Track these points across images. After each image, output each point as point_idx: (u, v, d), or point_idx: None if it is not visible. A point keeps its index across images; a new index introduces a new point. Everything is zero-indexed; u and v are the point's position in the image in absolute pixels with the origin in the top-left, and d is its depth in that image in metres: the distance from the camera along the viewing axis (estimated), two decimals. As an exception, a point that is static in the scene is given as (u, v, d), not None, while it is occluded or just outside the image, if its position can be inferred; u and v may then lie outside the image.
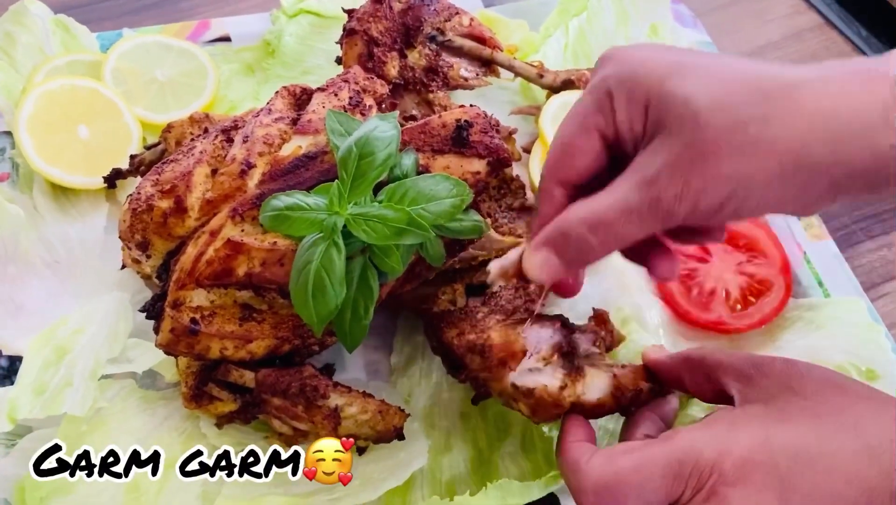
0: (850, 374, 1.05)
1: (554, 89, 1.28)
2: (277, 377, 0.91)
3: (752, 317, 1.16)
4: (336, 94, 0.97)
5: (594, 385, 0.94)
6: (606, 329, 1.06)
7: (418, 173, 0.92)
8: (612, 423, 1.06)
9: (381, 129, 0.85)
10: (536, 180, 1.20)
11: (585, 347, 1.00)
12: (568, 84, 1.27)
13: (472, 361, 0.96)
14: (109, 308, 1.07)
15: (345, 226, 0.83)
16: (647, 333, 1.11)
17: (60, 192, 1.19)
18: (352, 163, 0.83)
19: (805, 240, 1.23)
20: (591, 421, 0.93)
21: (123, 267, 1.07)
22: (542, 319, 0.98)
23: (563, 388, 0.93)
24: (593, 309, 1.09)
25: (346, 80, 0.99)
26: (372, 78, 1.02)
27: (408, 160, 0.91)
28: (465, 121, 0.95)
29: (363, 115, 0.98)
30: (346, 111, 0.95)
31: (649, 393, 0.96)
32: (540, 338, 0.96)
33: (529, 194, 1.21)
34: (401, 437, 0.94)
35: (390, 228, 0.82)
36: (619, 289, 1.15)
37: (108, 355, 1.02)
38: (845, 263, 1.21)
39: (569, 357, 0.97)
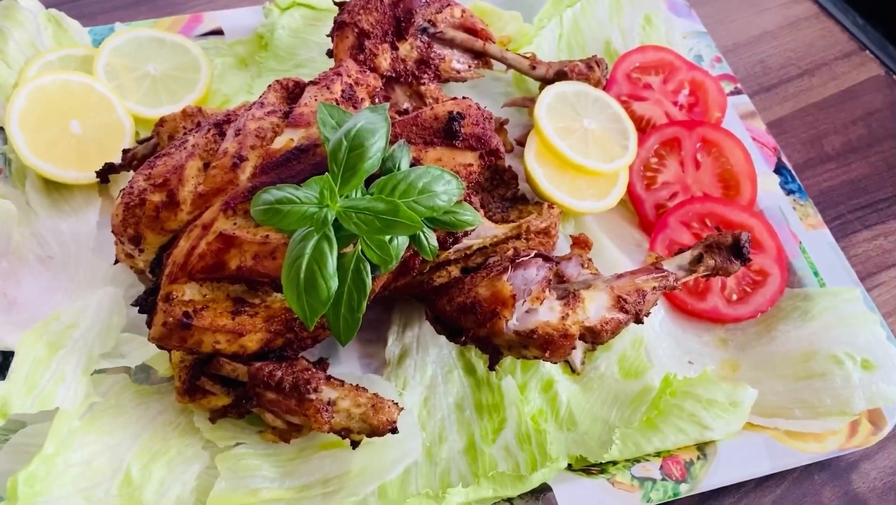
0: (845, 364, 1.05)
1: (547, 81, 1.27)
2: (270, 371, 0.91)
3: (748, 307, 1.16)
4: (328, 88, 0.96)
5: (594, 305, 0.95)
6: (589, 248, 1.05)
7: (410, 166, 0.91)
8: (613, 412, 1.06)
9: (371, 120, 0.85)
10: (531, 170, 1.19)
11: (574, 273, 1.00)
12: (561, 75, 1.26)
13: (468, 321, 0.96)
14: (102, 303, 1.07)
15: (336, 219, 0.83)
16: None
17: (53, 187, 1.19)
18: (342, 155, 0.83)
19: (801, 229, 1.23)
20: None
21: (116, 262, 1.07)
22: (522, 262, 0.97)
23: (564, 318, 0.93)
24: (571, 236, 1.09)
25: (338, 74, 0.99)
26: (365, 71, 1.02)
27: (400, 153, 0.91)
28: (458, 113, 0.95)
29: (356, 108, 0.98)
30: (338, 104, 0.95)
31: (654, 291, 0.96)
32: (526, 279, 0.96)
33: (523, 184, 1.21)
34: (394, 431, 0.94)
35: (381, 221, 0.82)
36: (613, 280, 1.15)
37: (102, 350, 1.02)
38: (841, 253, 1.21)
39: (561, 287, 0.97)
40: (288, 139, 0.92)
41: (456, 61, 1.25)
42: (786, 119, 1.47)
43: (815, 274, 1.18)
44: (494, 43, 1.27)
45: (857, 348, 1.07)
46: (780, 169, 1.30)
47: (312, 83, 0.99)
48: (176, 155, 0.96)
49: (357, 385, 0.96)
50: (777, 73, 1.54)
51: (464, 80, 1.27)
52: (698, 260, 1.05)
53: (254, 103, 0.99)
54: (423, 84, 1.20)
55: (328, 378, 0.94)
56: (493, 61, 1.29)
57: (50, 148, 1.17)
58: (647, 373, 1.08)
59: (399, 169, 0.90)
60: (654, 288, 1.00)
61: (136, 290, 1.10)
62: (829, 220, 1.31)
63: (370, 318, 1.08)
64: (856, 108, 1.49)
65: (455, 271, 1.05)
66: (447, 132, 0.95)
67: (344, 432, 0.94)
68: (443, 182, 0.87)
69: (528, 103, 1.31)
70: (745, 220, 1.19)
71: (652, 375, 1.08)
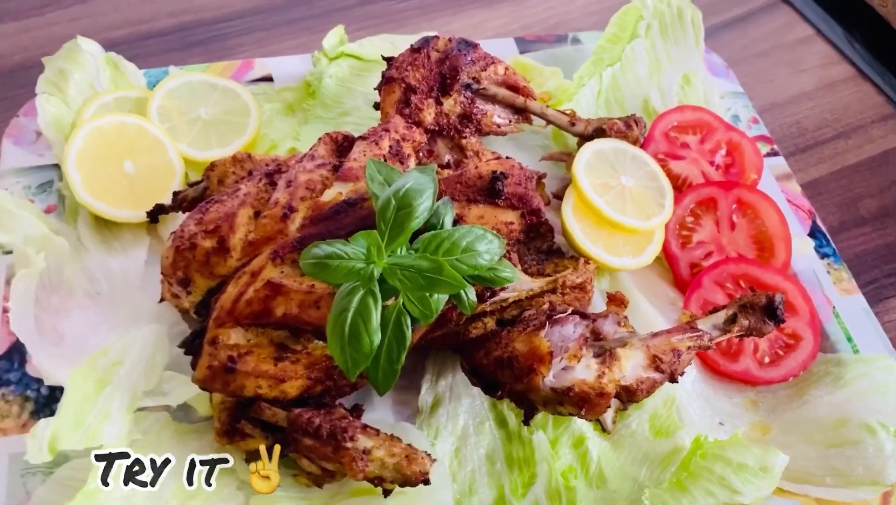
0: (878, 433, 1.05)
1: (586, 137, 1.30)
2: (309, 418, 0.93)
3: (780, 370, 1.16)
4: (377, 143, 1.00)
5: (630, 364, 0.97)
6: (625, 306, 1.07)
7: (454, 223, 0.94)
8: (643, 471, 1.06)
9: (420, 181, 0.87)
10: (568, 225, 1.21)
11: (610, 330, 1.02)
12: (600, 132, 1.29)
13: (504, 376, 0.98)
14: (147, 340, 1.09)
15: (381, 274, 0.86)
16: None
17: (104, 224, 1.23)
18: (390, 214, 0.86)
19: (834, 294, 1.24)
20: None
21: (162, 300, 1.10)
22: (559, 318, 0.99)
23: (600, 376, 0.94)
24: (607, 293, 1.11)
25: (386, 130, 1.02)
26: (411, 127, 1.05)
27: (444, 209, 0.94)
28: (501, 173, 0.97)
29: (402, 163, 1.01)
30: (385, 160, 0.98)
31: (689, 351, 0.98)
32: (564, 336, 0.97)
33: (558, 237, 1.23)
34: (426, 482, 0.95)
35: (425, 278, 0.85)
36: (646, 338, 1.16)
37: (145, 388, 1.05)
38: (875, 319, 1.21)
39: (598, 345, 0.99)
40: (337, 192, 0.96)
41: (497, 116, 1.28)
42: (821, 181, 1.48)
43: (849, 340, 1.18)
44: (535, 100, 1.30)
45: (890, 418, 1.07)
46: (814, 232, 1.31)
47: (361, 138, 1.02)
48: (228, 202, 1.00)
49: (392, 435, 0.97)
50: (813, 134, 1.55)
51: (504, 134, 1.30)
52: (732, 320, 1.06)
53: (305, 155, 1.02)
54: (465, 138, 1.23)
55: (364, 427, 0.96)
56: (532, 116, 1.32)
57: (104, 187, 1.21)
58: (678, 432, 1.09)
59: (443, 225, 0.93)
60: (689, 347, 1.02)
61: (179, 328, 1.13)
62: (864, 285, 1.31)
63: (404, 366, 1.09)
64: (892, 171, 1.50)
65: (491, 323, 1.07)
66: (490, 191, 0.97)
67: (377, 481, 0.96)
68: (485, 241, 0.89)
69: (565, 158, 1.34)
70: (779, 283, 1.20)
71: (682, 435, 1.08)
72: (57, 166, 1.27)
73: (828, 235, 1.31)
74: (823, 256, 1.28)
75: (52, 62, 1.30)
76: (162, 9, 1.66)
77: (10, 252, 1.16)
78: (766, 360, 1.17)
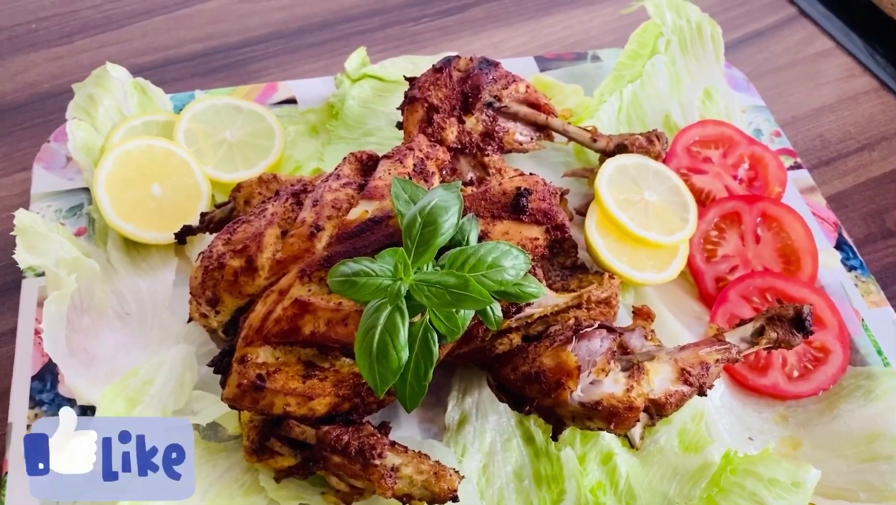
0: (911, 447, 1.04)
1: (607, 153, 1.30)
2: (338, 435, 0.94)
3: (809, 384, 1.15)
4: (401, 162, 1.01)
5: (658, 377, 0.97)
6: (651, 320, 1.07)
7: (479, 239, 0.95)
8: (672, 487, 1.05)
9: (445, 198, 0.88)
10: (592, 240, 1.22)
11: (638, 344, 1.02)
12: (621, 148, 1.30)
13: (532, 391, 0.98)
14: (176, 360, 1.11)
15: (408, 291, 0.86)
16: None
17: (132, 246, 1.25)
18: (416, 231, 0.86)
19: (863, 306, 1.22)
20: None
21: (190, 320, 1.11)
22: (586, 333, 0.99)
23: (628, 390, 0.94)
24: (633, 307, 1.11)
25: (410, 149, 1.03)
26: (434, 145, 1.06)
27: (469, 226, 0.94)
28: (525, 189, 0.98)
29: (426, 181, 1.02)
30: (410, 178, 0.99)
31: (717, 363, 0.98)
32: (591, 350, 0.98)
33: (582, 253, 1.23)
34: (455, 499, 0.95)
35: (451, 294, 0.85)
36: (673, 353, 1.15)
37: (175, 407, 1.06)
38: (905, 332, 1.20)
39: (625, 359, 0.99)
40: (362, 211, 0.97)
41: (519, 133, 1.29)
42: (845, 193, 1.47)
43: (879, 353, 1.17)
44: (556, 117, 1.30)
45: (923, 431, 1.06)
46: (841, 245, 1.30)
47: (386, 157, 1.04)
48: (255, 222, 1.01)
49: (420, 452, 0.97)
50: (836, 147, 1.55)
51: (526, 151, 1.31)
52: (760, 332, 1.06)
53: (330, 175, 1.04)
54: (487, 155, 1.24)
55: (392, 444, 0.96)
56: (554, 133, 1.32)
57: (132, 209, 1.23)
58: (708, 448, 1.08)
59: (468, 241, 0.94)
60: (718, 360, 1.02)
61: (207, 348, 1.15)
62: (892, 297, 1.29)
63: (431, 383, 1.10)
64: (917, 183, 1.49)
65: (516, 339, 1.07)
66: (514, 207, 0.98)
67: (405, 498, 0.96)
68: (511, 257, 0.90)
69: (587, 174, 1.34)
70: (807, 296, 1.19)
71: (712, 450, 1.07)
72: (87, 190, 1.29)
73: (854, 248, 1.30)
74: (851, 268, 1.27)
75: (82, 88, 1.33)
76: (187, 35, 1.69)
77: (41, 274, 1.18)
78: (795, 374, 1.16)
